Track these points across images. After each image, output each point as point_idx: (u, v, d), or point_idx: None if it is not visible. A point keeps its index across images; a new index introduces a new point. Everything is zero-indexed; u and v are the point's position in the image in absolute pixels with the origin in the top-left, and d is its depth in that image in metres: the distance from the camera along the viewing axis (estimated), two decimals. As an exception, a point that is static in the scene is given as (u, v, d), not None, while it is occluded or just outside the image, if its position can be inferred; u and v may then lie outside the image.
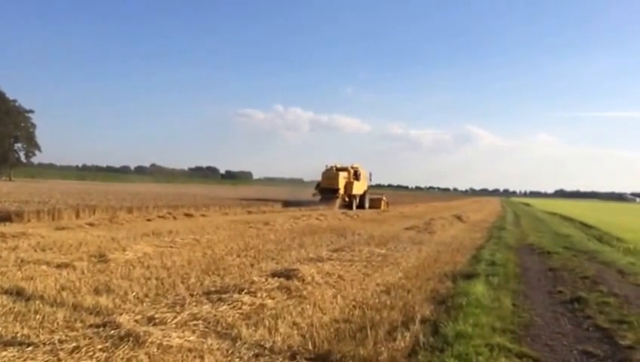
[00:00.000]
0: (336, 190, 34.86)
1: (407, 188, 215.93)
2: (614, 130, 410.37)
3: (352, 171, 36.80)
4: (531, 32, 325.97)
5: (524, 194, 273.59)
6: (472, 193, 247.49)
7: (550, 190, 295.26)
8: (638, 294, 8.75)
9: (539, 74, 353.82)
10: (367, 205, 37.39)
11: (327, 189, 35.16)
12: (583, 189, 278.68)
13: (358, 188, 37.05)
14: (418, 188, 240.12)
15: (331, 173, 35.69)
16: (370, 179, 40.30)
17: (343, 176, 35.68)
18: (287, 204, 32.40)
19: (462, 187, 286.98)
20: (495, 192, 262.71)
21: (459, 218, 28.21)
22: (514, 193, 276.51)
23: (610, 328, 6.41)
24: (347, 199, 35.57)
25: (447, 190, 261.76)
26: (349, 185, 35.89)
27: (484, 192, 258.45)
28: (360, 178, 37.43)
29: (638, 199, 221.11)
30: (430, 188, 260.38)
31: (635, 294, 8.69)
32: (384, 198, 40.19)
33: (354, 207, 34.84)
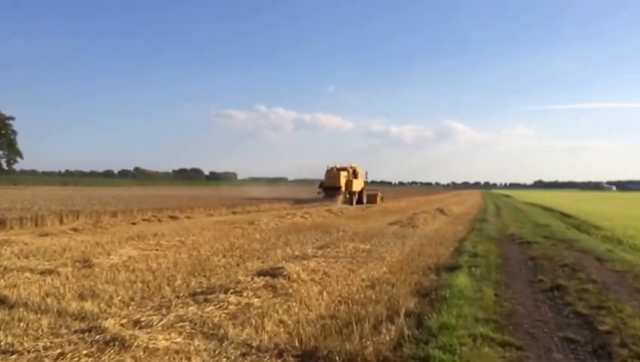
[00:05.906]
0: (338, 188, 38.42)
1: (390, 183, 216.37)
2: (589, 121, 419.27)
3: (351, 170, 40.02)
4: (505, 27, 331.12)
5: (505, 186, 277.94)
6: (453, 187, 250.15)
7: (529, 181, 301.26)
8: (616, 280, 8.97)
9: (513, 68, 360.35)
10: (365, 200, 40.62)
11: (330, 187, 38.88)
12: (561, 180, 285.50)
13: (357, 186, 40.28)
14: (401, 184, 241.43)
15: (333, 173, 39.08)
16: (367, 177, 43.29)
17: (343, 175, 38.93)
18: (296, 202, 34.85)
19: (443, 181, 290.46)
20: (476, 185, 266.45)
21: (441, 211, 28.54)
22: (494, 185, 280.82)
23: (589, 314, 6.56)
24: (347, 196, 38.64)
25: (429, 184, 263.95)
26: (349, 183, 39.20)
27: (466, 185, 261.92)
28: (358, 176, 40.79)
29: (614, 188, 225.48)
30: (413, 183, 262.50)
31: (612, 280, 8.92)
32: (379, 194, 43.66)
33: (354, 202, 38.17)
